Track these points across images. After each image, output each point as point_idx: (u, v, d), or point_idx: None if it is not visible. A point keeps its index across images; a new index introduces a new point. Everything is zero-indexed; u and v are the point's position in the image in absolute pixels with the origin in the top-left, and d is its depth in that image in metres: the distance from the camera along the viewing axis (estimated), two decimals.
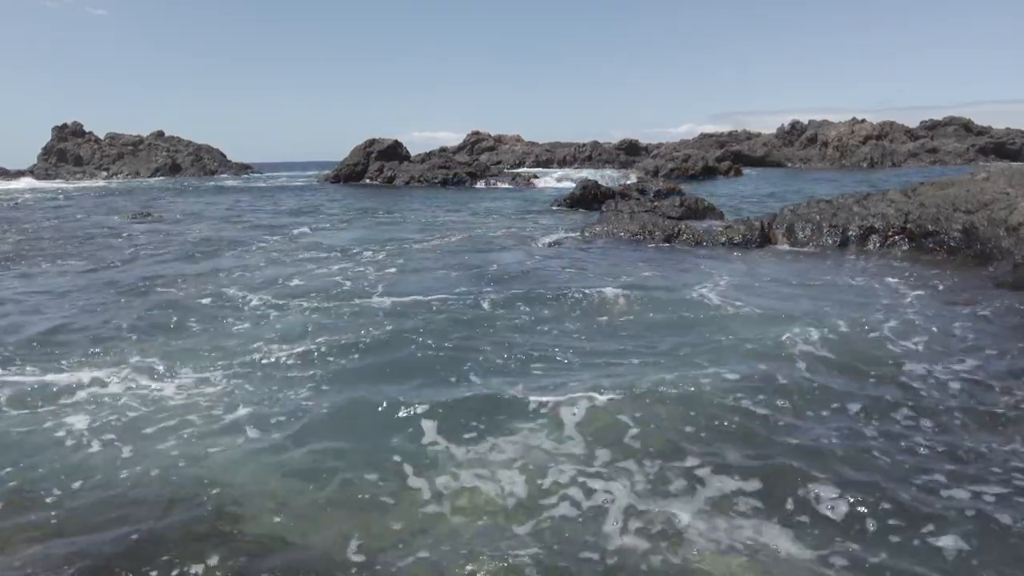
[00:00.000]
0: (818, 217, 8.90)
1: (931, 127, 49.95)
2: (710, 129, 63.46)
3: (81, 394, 4.34)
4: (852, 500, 2.84)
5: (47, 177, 50.03)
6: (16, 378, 4.64)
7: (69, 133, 64.01)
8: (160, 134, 67.01)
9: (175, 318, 6.13)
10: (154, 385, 4.46)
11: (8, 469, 3.37)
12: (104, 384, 4.50)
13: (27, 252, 10.78)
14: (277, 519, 2.90)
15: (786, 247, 8.77)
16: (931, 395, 3.89)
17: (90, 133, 65.34)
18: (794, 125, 52.44)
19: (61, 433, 3.78)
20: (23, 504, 3.06)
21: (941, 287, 6.47)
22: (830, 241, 8.50)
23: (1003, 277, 6.44)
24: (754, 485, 2.99)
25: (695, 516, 2.79)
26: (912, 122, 50.66)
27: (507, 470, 3.23)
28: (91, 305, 6.79)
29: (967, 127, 49.29)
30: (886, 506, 2.79)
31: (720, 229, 9.34)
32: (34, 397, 4.30)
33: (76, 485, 3.22)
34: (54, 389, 4.41)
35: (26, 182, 44.55)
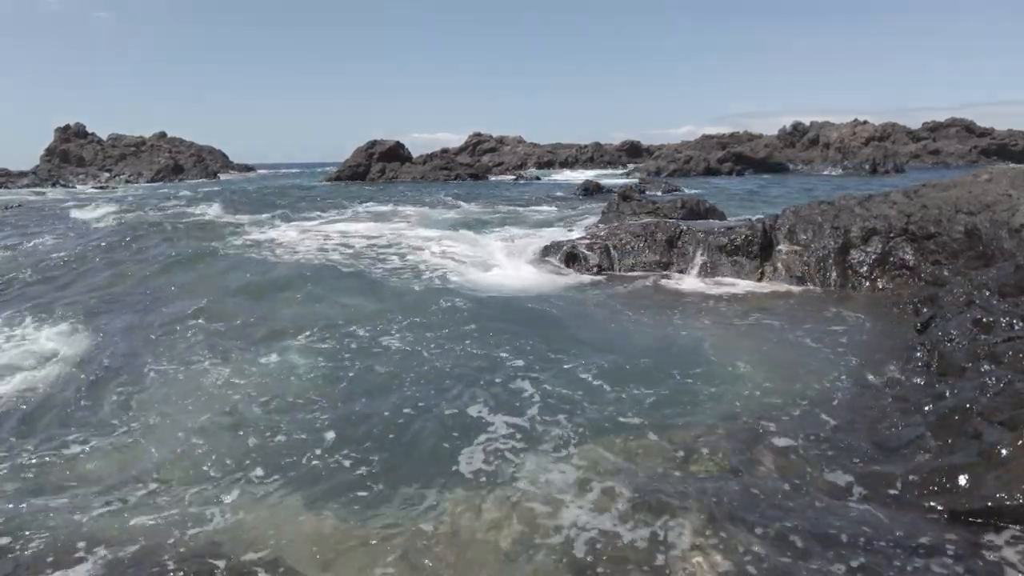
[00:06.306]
0: (819, 218, 8.87)
1: (933, 128, 49.81)
2: (711, 130, 63.32)
3: None
4: None
5: (48, 178, 49.97)
6: None
7: (72, 134, 64.09)
8: (162, 135, 67.09)
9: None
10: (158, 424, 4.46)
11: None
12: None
13: None
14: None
15: (785, 247, 8.72)
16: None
17: (93, 134, 65.43)
18: (796, 126, 52.36)
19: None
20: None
21: None
22: (832, 243, 8.47)
23: (1005, 279, 6.40)
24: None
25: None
26: (914, 123, 50.53)
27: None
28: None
29: (969, 128, 49.13)
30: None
31: (722, 230, 9.31)
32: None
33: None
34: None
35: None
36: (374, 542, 3.00)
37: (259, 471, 3.68)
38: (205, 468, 3.74)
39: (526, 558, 2.85)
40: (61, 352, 5.87)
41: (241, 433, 4.16)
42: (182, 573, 2.77)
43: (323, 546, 2.97)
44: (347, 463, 3.74)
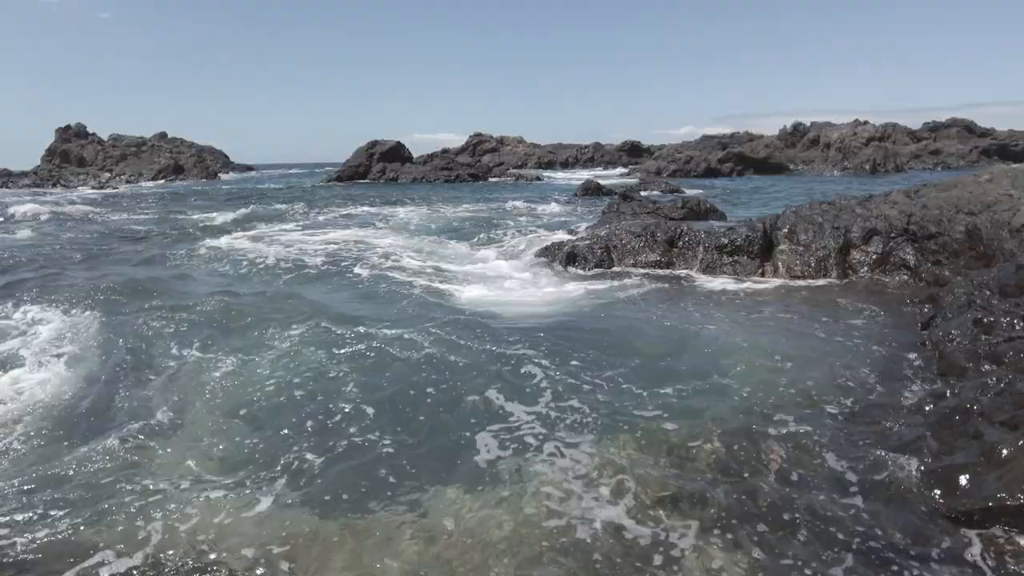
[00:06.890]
0: (820, 219, 8.86)
1: (934, 129, 49.79)
2: (711, 131, 63.31)
3: None
4: None
5: (49, 179, 49.94)
6: None
7: (72, 134, 64.05)
8: (163, 135, 67.12)
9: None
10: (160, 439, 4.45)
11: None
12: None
13: None
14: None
15: (786, 247, 8.72)
16: None
17: (93, 135, 65.39)
18: (796, 127, 52.31)
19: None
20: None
21: None
22: (832, 243, 8.47)
23: (1006, 279, 6.40)
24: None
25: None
26: (914, 124, 50.53)
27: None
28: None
29: (970, 129, 49.12)
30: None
31: (722, 231, 9.31)
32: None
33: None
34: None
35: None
36: (388, 533, 3.00)
37: (268, 466, 3.68)
38: (210, 465, 3.74)
39: (533, 552, 2.85)
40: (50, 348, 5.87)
41: (245, 430, 4.16)
42: (187, 572, 2.78)
43: (336, 540, 2.97)
44: (357, 460, 3.74)
